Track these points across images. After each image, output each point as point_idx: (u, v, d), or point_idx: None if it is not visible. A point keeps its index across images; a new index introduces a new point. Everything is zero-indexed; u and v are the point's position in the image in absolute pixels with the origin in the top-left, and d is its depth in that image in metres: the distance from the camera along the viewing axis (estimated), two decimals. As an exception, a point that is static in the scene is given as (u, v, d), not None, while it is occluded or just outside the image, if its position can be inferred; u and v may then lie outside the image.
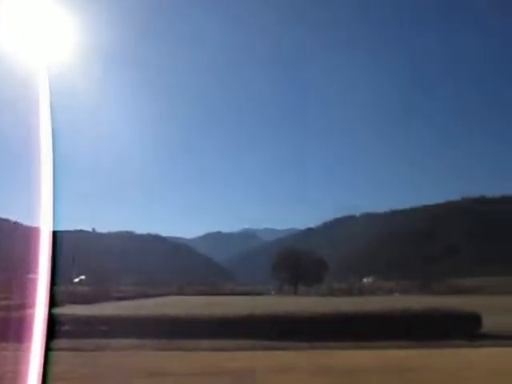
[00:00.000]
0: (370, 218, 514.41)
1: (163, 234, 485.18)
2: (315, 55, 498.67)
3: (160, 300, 65.65)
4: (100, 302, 49.77)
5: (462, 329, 17.87)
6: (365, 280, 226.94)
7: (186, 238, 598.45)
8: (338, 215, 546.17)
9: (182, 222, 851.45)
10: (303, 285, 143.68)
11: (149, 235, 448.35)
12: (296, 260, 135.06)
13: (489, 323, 19.35)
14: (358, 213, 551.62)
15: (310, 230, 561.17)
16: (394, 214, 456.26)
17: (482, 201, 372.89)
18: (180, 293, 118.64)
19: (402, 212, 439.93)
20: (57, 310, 17.64)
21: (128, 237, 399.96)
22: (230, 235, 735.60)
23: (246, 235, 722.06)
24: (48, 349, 7.14)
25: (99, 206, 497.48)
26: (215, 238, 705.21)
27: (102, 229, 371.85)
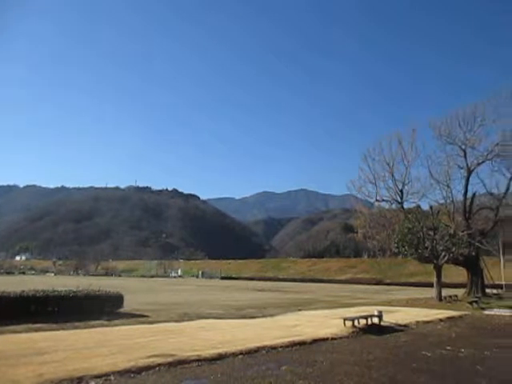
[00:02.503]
0: (34, 191, 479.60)
1: None
2: None
3: None
4: None
5: (106, 309, 19.08)
6: (18, 258, 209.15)
7: None
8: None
9: None
10: None
11: None
12: None
13: (129, 303, 21.54)
14: (22, 184, 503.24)
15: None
16: (59, 190, 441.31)
17: (145, 191, 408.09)
18: None
19: (66, 190, 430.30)
20: None
21: None
22: None
23: None
24: None
25: None
26: None
27: None
